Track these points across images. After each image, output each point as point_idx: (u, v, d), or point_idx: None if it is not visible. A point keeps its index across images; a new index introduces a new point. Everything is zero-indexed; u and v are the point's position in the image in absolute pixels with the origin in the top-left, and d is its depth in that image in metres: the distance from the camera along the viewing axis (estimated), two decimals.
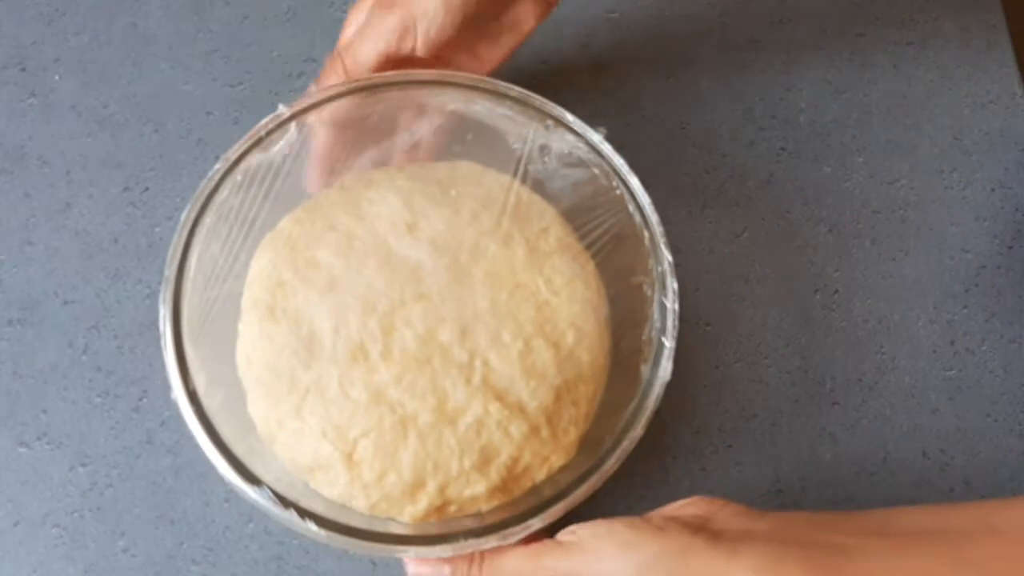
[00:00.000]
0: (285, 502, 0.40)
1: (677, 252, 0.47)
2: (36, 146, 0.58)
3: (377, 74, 0.48)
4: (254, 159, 0.47)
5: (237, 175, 0.46)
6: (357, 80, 0.48)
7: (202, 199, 0.45)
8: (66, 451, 0.52)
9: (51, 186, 0.57)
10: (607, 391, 0.48)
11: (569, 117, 0.48)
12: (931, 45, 0.62)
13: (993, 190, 0.59)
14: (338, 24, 0.61)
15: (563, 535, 0.40)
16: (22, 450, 0.52)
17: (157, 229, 0.56)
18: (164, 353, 0.43)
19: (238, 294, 0.48)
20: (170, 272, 0.44)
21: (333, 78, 0.49)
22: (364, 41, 0.48)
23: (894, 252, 0.57)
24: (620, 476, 0.43)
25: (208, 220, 0.45)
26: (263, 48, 0.60)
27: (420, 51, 0.47)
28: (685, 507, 0.41)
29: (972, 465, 0.53)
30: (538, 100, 0.48)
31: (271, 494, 0.40)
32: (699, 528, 0.38)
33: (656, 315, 0.45)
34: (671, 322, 0.44)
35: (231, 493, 0.51)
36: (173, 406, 0.53)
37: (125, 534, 0.50)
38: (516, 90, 0.48)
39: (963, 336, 0.56)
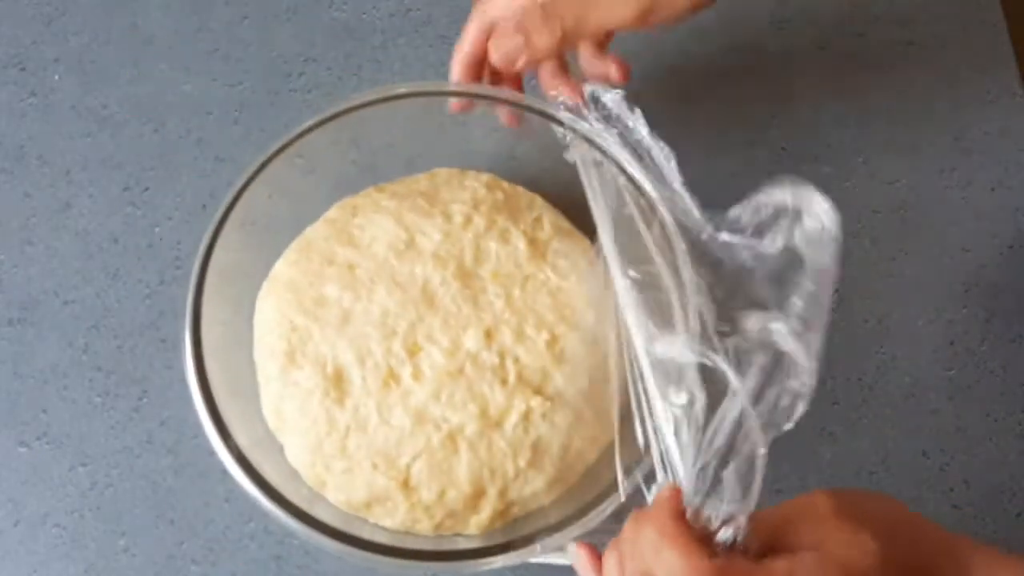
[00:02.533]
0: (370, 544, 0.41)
1: None
2: (36, 146, 0.58)
3: (402, 84, 0.48)
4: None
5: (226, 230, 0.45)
6: (382, 90, 0.48)
7: (204, 252, 0.45)
8: (66, 451, 0.52)
9: (51, 186, 0.57)
10: None
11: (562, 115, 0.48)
12: (931, 45, 0.62)
13: (993, 190, 0.59)
14: (337, 23, 0.61)
15: None
16: (22, 450, 0.52)
17: (157, 229, 0.56)
18: (202, 422, 0.42)
19: (247, 352, 0.47)
20: (189, 340, 0.43)
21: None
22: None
23: (894, 252, 0.57)
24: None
25: (211, 280, 0.45)
26: (263, 48, 0.60)
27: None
28: None
29: (972, 465, 0.53)
30: (535, 102, 0.48)
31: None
32: None
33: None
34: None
35: (231, 493, 0.51)
36: (174, 405, 0.53)
37: (125, 534, 0.50)
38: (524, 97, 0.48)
39: (963, 336, 0.56)
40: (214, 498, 0.51)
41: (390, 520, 0.44)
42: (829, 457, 0.53)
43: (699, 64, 0.61)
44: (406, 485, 0.43)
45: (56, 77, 0.59)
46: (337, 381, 0.44)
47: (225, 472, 0.51)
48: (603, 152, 0.45)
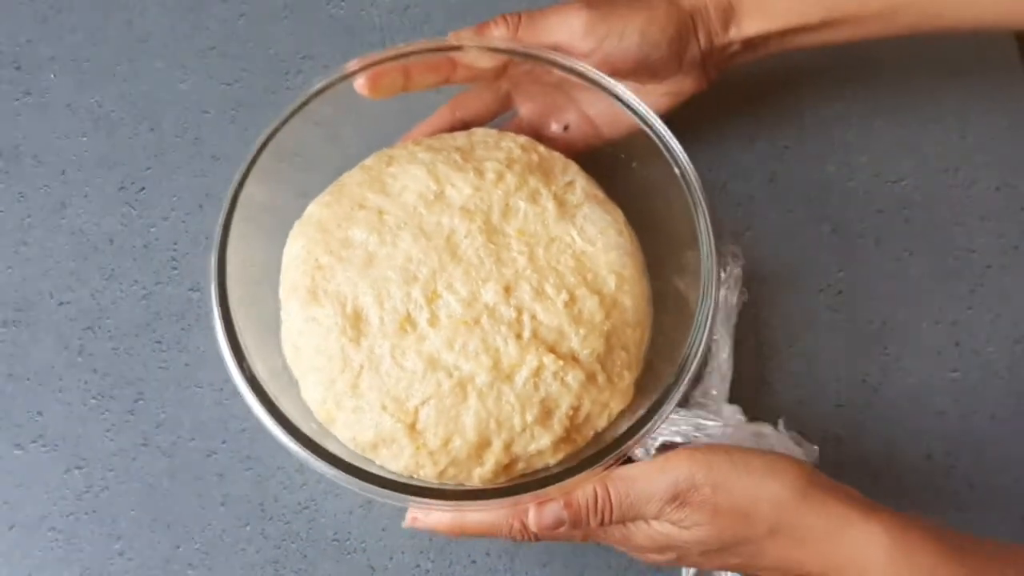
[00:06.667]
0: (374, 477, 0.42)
1: None
2: (31, 145, 0.57)
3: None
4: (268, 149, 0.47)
5: (262, 163, 0.46)
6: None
7: (234, 188, 0.46)
8: (61, 453, 0.51)
9: (46, 186, 0.56)
10: (658, 336, 0.49)
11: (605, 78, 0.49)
12: (936, 43, 0.61)
13: (999, 189, 0.58)
14: (335, 21, 0.61)
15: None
16: (17, 452, 0.51)
17: (153, 229, 0.56)
18: (220, 347, 0.43)
19: (272, 288, 0.48)
20: (213, 270, 0.44)
21: (495, 32, 0.49)
22: (549, 19, 0.48)
23: (898, 252, 0.57)
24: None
25: (240, 216, 0.46)
26: (260, 45, 0.60)
27: (589, 61, 0.48)
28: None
29: (977, 468, 0.52)
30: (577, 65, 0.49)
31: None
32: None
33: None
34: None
35: (227, 496, 0.51)
36: (170, 407, 0.52)
37: (121, 537, 0.50)
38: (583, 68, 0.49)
39: (968, 337, 0.55)
40: (211, 501, 0.50)
41: (395, 463, 0.45)
42: (833, 459, 0.52)
43: None
44: (413, 428, 0.44)
45: (51, 76, 0.59)
46: (355, 321, 0.45)
47: (221, 475, 0.51)
48: None
